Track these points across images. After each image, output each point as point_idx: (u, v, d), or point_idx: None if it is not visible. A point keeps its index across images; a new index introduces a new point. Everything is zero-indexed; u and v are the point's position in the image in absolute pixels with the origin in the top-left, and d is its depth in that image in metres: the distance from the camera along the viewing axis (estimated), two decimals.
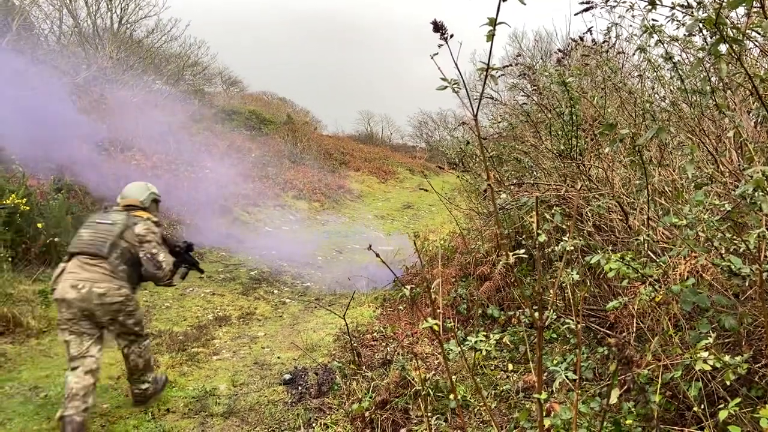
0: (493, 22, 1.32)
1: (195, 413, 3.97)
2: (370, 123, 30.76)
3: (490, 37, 1.33)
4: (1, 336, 5.03)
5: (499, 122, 6.50)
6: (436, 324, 1.48)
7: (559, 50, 4.39)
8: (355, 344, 4.69)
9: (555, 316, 4.05)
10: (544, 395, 1.49)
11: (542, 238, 1.48)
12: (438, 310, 1.40)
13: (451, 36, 1.34)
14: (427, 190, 5.89)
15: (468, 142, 6.09)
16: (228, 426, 3.83)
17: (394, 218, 13.96)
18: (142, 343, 3.98)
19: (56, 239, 6.20)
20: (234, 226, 10.68)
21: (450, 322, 3.80)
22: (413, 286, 1.97)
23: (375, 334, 5.39)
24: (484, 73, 1.53)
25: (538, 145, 5.27)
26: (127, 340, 3.91)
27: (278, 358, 5.11)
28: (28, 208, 6.01)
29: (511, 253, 1.46)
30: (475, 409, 3.55)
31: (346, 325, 4.67)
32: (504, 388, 3.84)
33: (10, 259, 5.75)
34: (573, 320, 1.71)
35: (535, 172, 5.51)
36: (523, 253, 1.47)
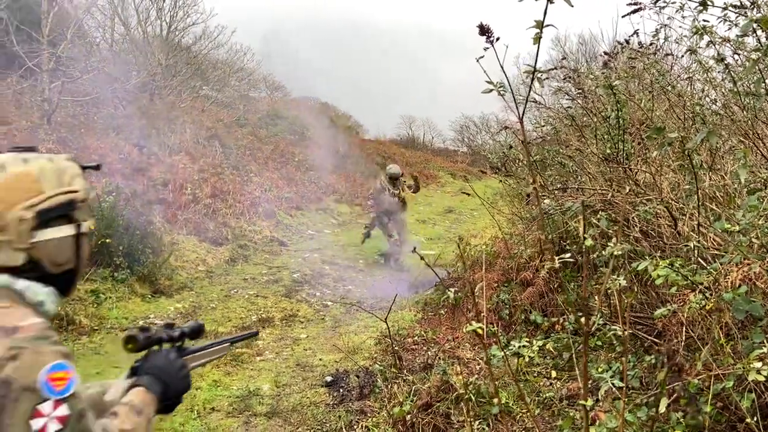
0: (540, 25, 1.32)
1: (239, 412, 4.06)
2: (412, 127, 30.74)
3: (537, 39, 1.33)
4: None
5: (543, 126, 6.42)
6: (480, 327, 1.48)
7: (605, 53, 4.31)
8: (396, 348, 4.71)
9: (601, 323, 3.97)
10: (590, 402, 1.48)
11: (589, 242, 1.47)
12: (482, 314, 1.41)
13: (497, 39, 1.35)
14: (469, 194, 5.86)
15: (511, 147, 6.04)
16: (271, 426, 3.90)
17: (435, 222, 13.92)
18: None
19: (108, 240, 6.42)
20: (278, 229, 10.85)
21: (493, 327, 3.76)
22: (456, 290, 1.97)
23: (416, 338, 5.39)
24: (531, 75, 1.53)
25: (583, 149, 5.18)
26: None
27: (320, 360, 5.17)
28: None
29: (557, 258, 1.46)
30: (518, 416, 3.52)
31: (388, 328, 4.69)
32: (547, 395, 3.79)
33: None
34: (620, 327, 1.68)
35: (579, 177, 5.42)
36: (569, 258, 1.46)
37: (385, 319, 4.34)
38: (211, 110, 16.08)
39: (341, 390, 4.40)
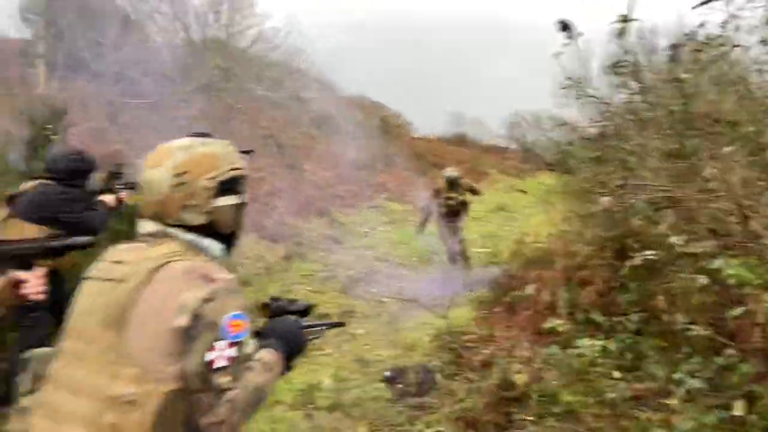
0: (624, 19, 1.33)
1: (302, 405, 4.17)
2: (461, 125, 30.45)
3: (622, 32, 1.34)
4: None
5: (601, 122, 6.27)
6: (559, 324, 1.50)
7: (673, 45, 4.20)
8: (455, 345, 4.73)
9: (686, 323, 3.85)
10: (675, 401, 1.47)
11: (675, 239, 1.46)
12: (560, 310, 1.42)
13: (580, 35, 1.36)
14: (525, 192, 5.83)
15: (570, 143, 5.95)
16: (333, 419, 3.99)
17: (487, 220, 13.78)
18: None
19: None
20: (332, 226, 11.02)
21: (565, 325, 3.72)
22: (537, 286, 1.99)
23: (472, 335, 5.39)
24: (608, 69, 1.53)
25: (644, 145, 5.05)
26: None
27: (378, 355, 5.25)
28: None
29: (638, 255, 1.46)
30: (582, 416, 3.48)
31: (446, 325, 4.72)
32: (610, 396, 3.73)
33: None
34: (699, 327, 1.66)
35: (640, 173, 5.29)
36: (652, 255, 1.46)
37: (443, 316, 4.37)
38: (266, 110, 16.43)
39: (400, 386, 4.45)
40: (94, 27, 11.55)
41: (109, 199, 3.92)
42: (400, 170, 17.12)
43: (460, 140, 29.00)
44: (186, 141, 1.55)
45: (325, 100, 23.01)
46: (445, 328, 5.19)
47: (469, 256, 8.82)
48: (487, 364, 4.34)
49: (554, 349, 4.24)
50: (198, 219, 1.51)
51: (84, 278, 1.52)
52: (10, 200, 3.50)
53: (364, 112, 23.22)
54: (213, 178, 1.51)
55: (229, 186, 1.55)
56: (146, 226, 1.53)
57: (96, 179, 3.92)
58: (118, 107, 11.17)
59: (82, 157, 3.87)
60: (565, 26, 1.22)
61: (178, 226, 1.51)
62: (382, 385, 4.54)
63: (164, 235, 1.50)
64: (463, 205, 8.90)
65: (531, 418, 3.36)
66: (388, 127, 22.09)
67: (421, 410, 3.98)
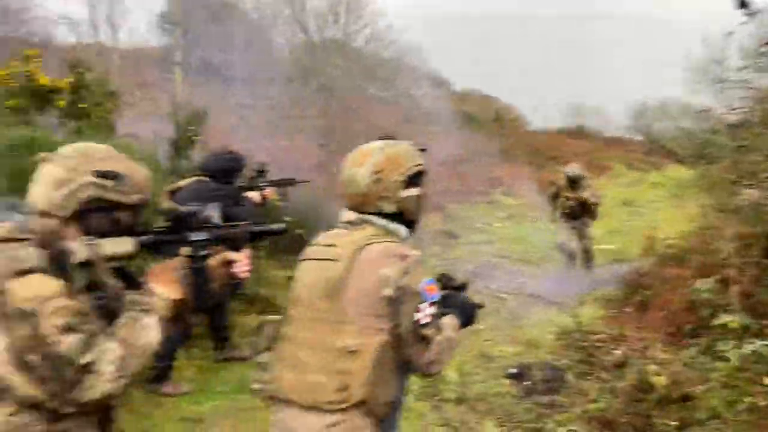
0: None
1: (428, 397, 4.22)
2: (580, 116, 29.15)
3: None
4: (262, 313, 5.86)
5: (745, 108, 5.77)
6: (731, 321, 1.41)
7: None
8: (584, 343, 4.58)
9: None
10: None
11: None
12: (733, 307, 1.33)
13: (759, 12, 1.28)
14: (661, 184, 5.49)
15: (712, 131, 5.54)
16: (459, 412, 4.01)
17: (610, 216, 13.12)
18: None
19: (300, 232, 7.00)
20: (447, 221, 11.03)
21: (733, 322, 3.47)
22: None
23: (602, 334, 5.18)
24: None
25: None
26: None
27: (500, 351, 5.19)
28: (279, 204, 6.89)
29: None
30: (730, 423, 3.24)
31: (573, 323, 4.59)
32: (762, 404, 3.45)
33: (266, 248, 6.65)
34: None
35: None
36: None
37: (574, 314, 4.25)
38: (380, 108, 16.72)
39: (527, 383, 4.38)
40: (223, 33, 12.36)
41: (254, 195, 4.24)
42: (515, 164, 16.74)
43: (579, 132, 27.76)
44: (380, 143, 1.88)
45: (437, 96, 23.05)
46: (572, 326, 5.04)
47: (592, 255, 8.24)
48: (619, 365, 4.16)
49: (695, 351, 3.99)
50: (390, 208, 1.83)
51: (301, 259, 1.94)
52: (171, 194, 3.88)
53: (477, 106, 22.98)
54: (402, 173, 1.82)
55: (414, 180, 1.86)
56: (347, 215, 1.88)
57: (241, 177, 4.25)
58: (244, 109, 11.85)
59: (234, 157, 4.24)
60: (743, 3, 1.14)
61: (374, 213, 1.84)
62: (506, 380, 4.49)
63: (363, 222, 1.84)
64: (584, 207, 7.89)
65: (674, 423, 3.18)
66: (502, 120, 21.69)
67: (550, 408, 3.89)
